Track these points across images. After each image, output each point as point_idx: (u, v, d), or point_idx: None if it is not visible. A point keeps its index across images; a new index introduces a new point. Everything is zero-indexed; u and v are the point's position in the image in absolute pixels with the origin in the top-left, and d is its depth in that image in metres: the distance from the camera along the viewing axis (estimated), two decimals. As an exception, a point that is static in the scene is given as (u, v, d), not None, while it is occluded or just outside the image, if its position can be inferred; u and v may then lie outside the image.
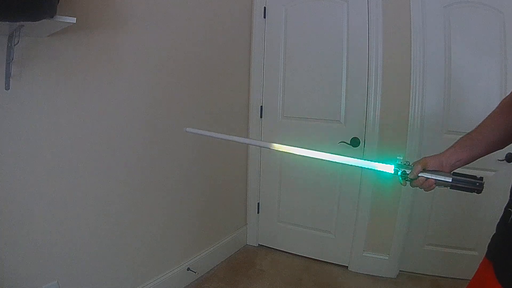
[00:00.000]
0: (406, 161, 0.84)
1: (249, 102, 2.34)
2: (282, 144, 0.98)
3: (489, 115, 0.85)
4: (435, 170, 0.81)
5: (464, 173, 0.80)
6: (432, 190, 0.82)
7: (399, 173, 0.83)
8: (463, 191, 0.80)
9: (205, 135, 1.17)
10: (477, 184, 0.78)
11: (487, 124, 0.84)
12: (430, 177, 0.80)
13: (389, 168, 0.83)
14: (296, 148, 0.95)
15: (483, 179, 0.79)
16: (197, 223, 2.02)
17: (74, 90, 1.28)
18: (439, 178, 0.80)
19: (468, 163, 0.84)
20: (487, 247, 0.79)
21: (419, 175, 0.80)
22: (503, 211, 0.76)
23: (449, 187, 0.80)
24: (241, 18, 2.20)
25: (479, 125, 0.85)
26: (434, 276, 2.06)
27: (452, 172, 0.81)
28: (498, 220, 0.78)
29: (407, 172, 0.82)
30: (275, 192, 2.38)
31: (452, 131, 1.86)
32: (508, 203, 0.75)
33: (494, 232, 0.79)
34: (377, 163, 0.85)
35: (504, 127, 0.80)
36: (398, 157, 0.84)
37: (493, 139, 0.82)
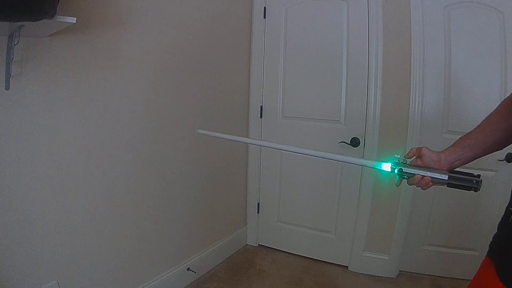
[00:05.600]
0: (404, 160, 0.84)
1: (249, 102, 2.35)
2: (281, 143, 0.99)
3: (489, 116, 0.85)
4: (431, 168, 0.81)
5: (461, 170, 0.80)
6: (431, 190, 0.82)
7: (396, 171, 0.83)
8: (460, 189, 0.79)
9: (217, 136, 1.14)
10: (474, 181, 0.77)
11: (487, 124, 0.83)
12: (426, 174, 0.80)
13: (386, 166, 0.84)
14: (296, 147, 0.96)
15: (481, 176, 0.78)
16: (197, 223, 2.02)
17: (74, 90, 1.28)
18: (435, 176, 0.79)
19: (467, 163, 0.83)
20: (488, 246, 0.79)
21: (415, 172, 0.80)
22: (504, 210, 0.76)
23: (445, 185, 0.80)
24: (241, 18, 2.20)
25: (479, 125, 0.85)
26: (434, 276, 2.06)
27: (449, 170, 0.81)
28: (500, 220, 0.78)
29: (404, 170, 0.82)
30: (275, 192, 2.38)
31: (452, 131, 1.87)
32: (509, 202, 0.75)
33: (496, 231, 0.79)
34: (374, 161, 0.86)
35: (504, 128, 0.80)
36: (396, 155, 0.84)
37: (493, 140, 0.81)
